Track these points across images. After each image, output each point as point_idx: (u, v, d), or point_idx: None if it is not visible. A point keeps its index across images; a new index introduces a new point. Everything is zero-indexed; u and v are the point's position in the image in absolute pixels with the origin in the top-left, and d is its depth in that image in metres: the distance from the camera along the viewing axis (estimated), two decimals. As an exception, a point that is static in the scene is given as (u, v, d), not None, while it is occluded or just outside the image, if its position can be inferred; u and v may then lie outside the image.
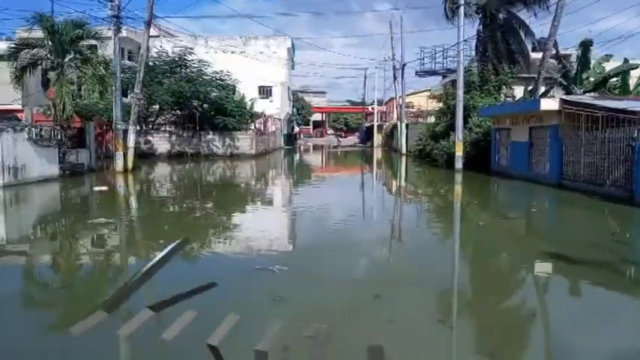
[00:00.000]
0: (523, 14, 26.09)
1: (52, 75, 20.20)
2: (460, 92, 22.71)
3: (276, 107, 46.26)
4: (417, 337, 4.77)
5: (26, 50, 20.36)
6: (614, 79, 23.32)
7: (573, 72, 23.90)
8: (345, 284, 6.29)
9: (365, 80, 67.08)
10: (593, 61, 23.74)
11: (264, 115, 40.67)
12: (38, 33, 20.83)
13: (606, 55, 24.43)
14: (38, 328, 5.08)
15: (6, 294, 6.15)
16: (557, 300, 6.26)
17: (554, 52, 23.71)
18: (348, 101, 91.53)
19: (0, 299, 5.84)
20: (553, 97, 20.06)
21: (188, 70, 33.25)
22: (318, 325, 5.12)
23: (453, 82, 27.91)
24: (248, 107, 35.26)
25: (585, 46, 22.98)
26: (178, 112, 33.64)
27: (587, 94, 20.91)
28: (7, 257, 8.21)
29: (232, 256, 8.13)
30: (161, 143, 33.41)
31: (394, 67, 42.83)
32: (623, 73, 22.85)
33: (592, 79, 23.62)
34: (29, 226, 11.04)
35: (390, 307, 5.49)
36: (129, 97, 24.50)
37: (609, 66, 23.97)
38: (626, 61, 23.50)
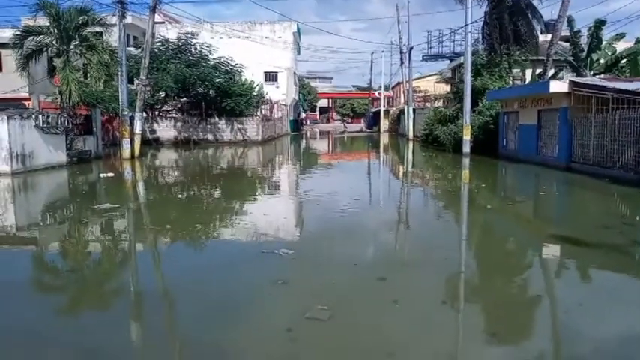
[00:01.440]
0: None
1: (57, 62, 20.16)
2: (468, 75, 22.43)
3: (282, 93, 46.02)
4: (420, 317, 4.75)
5: (31, 37, 20.30)
6: (625, 60, 22.91)
7: (583, 54, 23.50)
8: (350, 266, 6.28)
9: (371, 65, 66.49)
10: (603, 42, 23.32)
11: (270, 101, 40.50)
12: (43, 20, 20.76)
13: (617, 35, 23.96)
14: (46, 311, 5.12)
15: (15, 278, 6.21)
16: (564, 282, 6.22)
17: (563, 33, 23.30)
18: (354, 86, 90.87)
19: (10, 283, 5.91)
20: (562, 79, 19.80)
21: (192, 56, 33.07)
22: (320, 307, 5.15)
23: (461, 66, 27.60)
24: (256, 91, 35.12)
25: (597, 26, 22.54)
26: (184, 98, 33.57)
27: (598, 76, 20.60)
28: (17, 242, 8.27)
29: (239, 240, 8.14)
30: (167, 130, 33.43)
31: (401, 51, 42.40)
32: (634, 54, 22.44)
33: (602, 60, 23.24)
34: (38, 213, 11.11)
35: (395, 289, 5.48)
36: (135, 84, 24.46)
37: (620, 46, 23.54)
38: (637, 41, 23.06)
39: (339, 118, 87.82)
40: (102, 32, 22.06)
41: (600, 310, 5.01)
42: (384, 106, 57.97)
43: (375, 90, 66.77)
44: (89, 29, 20.71)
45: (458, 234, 9.02)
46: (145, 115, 26.64)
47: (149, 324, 4.85)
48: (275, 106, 42.90)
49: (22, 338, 4.41)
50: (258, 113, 35.77)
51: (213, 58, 33.31)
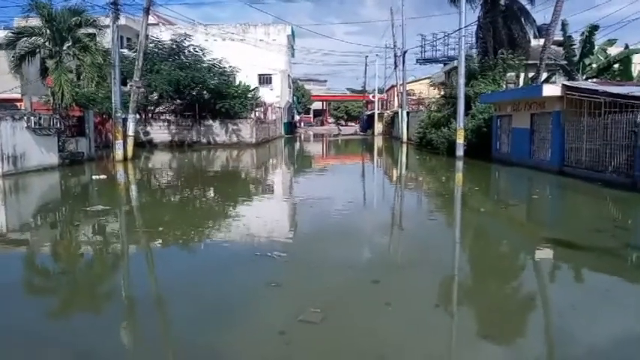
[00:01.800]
0: (524, 0, 25.87)
1: (50, 63, 20.03)
2: (461, 79, 22.51)
3: (276, 95, 46.00)
4: (413, 320, 4.73)
5: (24, 39, 20.17)
6: (617, 64, 23.06)
7: (576, 58, 23.64)
8: (344, 269, 6.26)
9: (366, 68, 66.72)
10: (596, 47, 23.47)
11: (265, 104, 40.48)
12: (36, 21, 20.64)
13: (609, 40, 24.12)
14: (37, 314, 5.06)
15: (5, 280, 6.13)
16: (557, 285, 6.23)
17: (556, 38, 23.43)
18: (348, 89, 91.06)
19: (0, 285, 5.84)
20: (555, 83, 19.90)
21: (186, 58, 32.97)
22: (313, 310, 5.12)
23: (454, 70, 27.70)
24: (251, 95, 35.09)
25: (590, 31, 22.69)
26: (178, 100, 33.46)
27: (590, 80, 20.72)
28: (7, 245, 8.18)
29: (232, 243, 8.09)
30: (161, 132, 33.28)
31: (395, 55, 42.57)
32: (625, 58, 22.60)
33: (594, 64, 23.39)
34: (29, 215, 11.01)
35: (388, 292, 5.46)
36: (128, 85, 24.36)
37: (613, 51, 23.69)
38: (626, 47, 23.23)
39: (333, 120, 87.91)
40: (95, 33, 21.96)
41: (593, 313, 5.01)
42: (378, 109, 58.07)
43: (369, 93, 66.92)
44: (82, 30, 20.60)
45: (451, 237, 9.02)
46: (138, 116, 26.51)
47: (141, 327, 4.80)
48: (269, 108, 42.87)
49: (13, 340, 4.35)
50: (252, 116, 35.73)
51: (208, 60, 33.25)
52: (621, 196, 12.30)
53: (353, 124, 79.58)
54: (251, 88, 35.61)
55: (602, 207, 11.61)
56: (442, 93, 30.52)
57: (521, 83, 26.62)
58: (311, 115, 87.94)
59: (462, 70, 22.65)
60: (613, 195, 12.41)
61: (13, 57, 19.97)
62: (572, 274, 6.66)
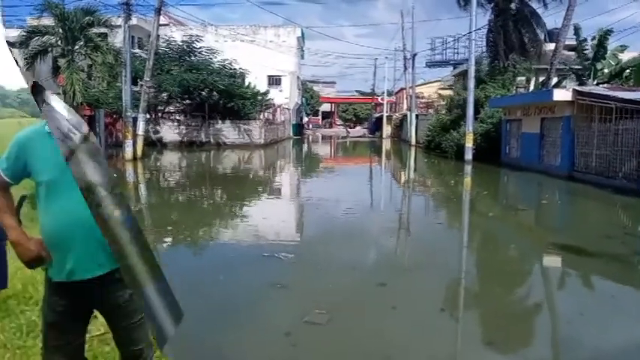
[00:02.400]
0: (535, 4, 25.75)
1: (62, 62, 20.25)
2: (471, 83, 22.43)
3: (285, 97, 46.05)
4: (419, 323, 4.72)
5: (37, 37, 20.42)
6: (629, 70, 22.90)
7: (587, 63, 23.50)
8: (350, 271, 6.26)
9: (375, 70, 66.62)
10: (607, 52, 23.33)
11: (274, 105, 40.57)
12: (48, 20, 20.89)
13: (621, 46, 23.96)
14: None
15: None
16: (565, 291, 6.18)
17: (568, 42, 23.29)
18: (357, 91, 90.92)
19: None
20: (565, 87, 19.78)
21: (196, 58, 33.13)
22: (318, 311, 5.12)
23: (463, 74, 27.62)
24: (261, 96, 35.19)
25: (603, 35, 22.54)
26: (188, 100, 33.60)
27: (601, 86, 20.58)
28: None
29: (240, 244, 8.12)
30: (170, 132, 33.41)
31: (405, 57, 42.42)
32: (639, 64, 22.42)
33: (606, 70, 23.23)
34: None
35: (395, 295, 5.45)
36: (138, 85, 24.55)
37: (625, 57, 23.52)
38: (641, 52, 23.06)
39: (341, 123, 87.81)
40: (107, 33, 22.17)
41: (602, 321, 4.97)
42: (387, 111, 57.96)
43: (378, 95, 66.80)
44: (94, 30, 20.82)
45: (459, 241, 8.99)
46: (148, 116, 26.67)
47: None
48: (278, 109, 42.95)
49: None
50: (261, 117, 35.80)
51: (218, 61, 33.36)
52: (631, 202, 12.19)
53: (361, 126, 79.46)
54: (261, 92, 35.70)
55: (612, 213, 11.52)
56: (450, 98, 30.37)
57: (531, 87, 26.49)
58: (319, 117, 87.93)
59: (471, 74, 22.57)
60: (623, 201, 12.31)
61: (26, 55, 20.21)
62: (581, 280, 6.61)
